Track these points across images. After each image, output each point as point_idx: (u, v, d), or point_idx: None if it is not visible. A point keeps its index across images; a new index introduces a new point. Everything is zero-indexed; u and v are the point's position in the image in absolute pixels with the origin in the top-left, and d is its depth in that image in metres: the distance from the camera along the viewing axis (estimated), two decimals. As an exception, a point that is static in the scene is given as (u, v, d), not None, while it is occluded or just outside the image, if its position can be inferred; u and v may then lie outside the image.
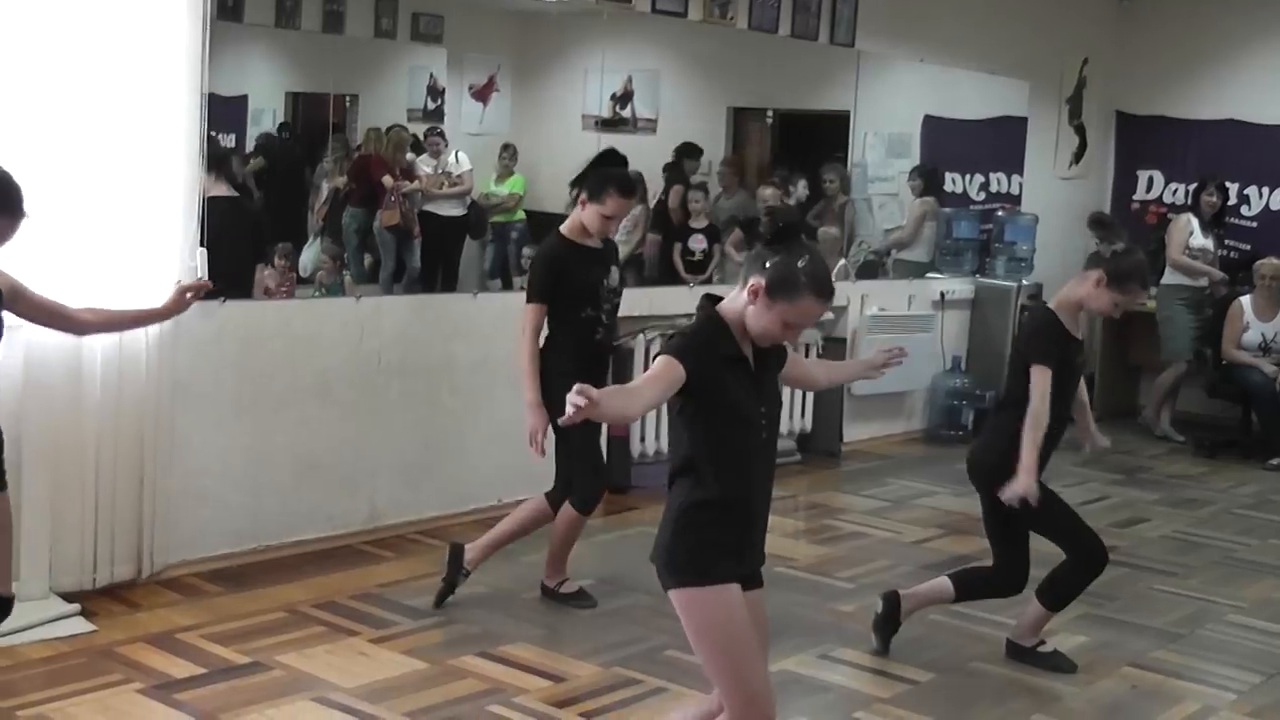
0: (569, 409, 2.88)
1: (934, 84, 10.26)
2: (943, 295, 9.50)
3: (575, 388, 2.90)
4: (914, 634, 5.35)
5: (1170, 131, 10.35)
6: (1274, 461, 9.02)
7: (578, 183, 5.35)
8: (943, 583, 5.30)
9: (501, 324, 6.65)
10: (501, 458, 6.69)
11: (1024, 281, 9.76)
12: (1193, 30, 10.55)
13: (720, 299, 3.38)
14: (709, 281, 9.04)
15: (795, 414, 8.38)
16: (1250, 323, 9.31)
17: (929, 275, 9.72)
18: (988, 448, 5.09)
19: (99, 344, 5.03)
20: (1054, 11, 10.22)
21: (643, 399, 3.21)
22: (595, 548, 6.36)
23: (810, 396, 8.45)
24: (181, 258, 5.26)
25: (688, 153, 9.68)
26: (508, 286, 9.64)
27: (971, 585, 5.31)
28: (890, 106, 10.38)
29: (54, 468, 5.00)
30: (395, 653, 4.86)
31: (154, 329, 5.17)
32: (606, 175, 5.27)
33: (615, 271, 5.50)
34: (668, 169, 9.59)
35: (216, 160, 6.34)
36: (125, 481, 5.19)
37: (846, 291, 8.75)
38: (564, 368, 5.12)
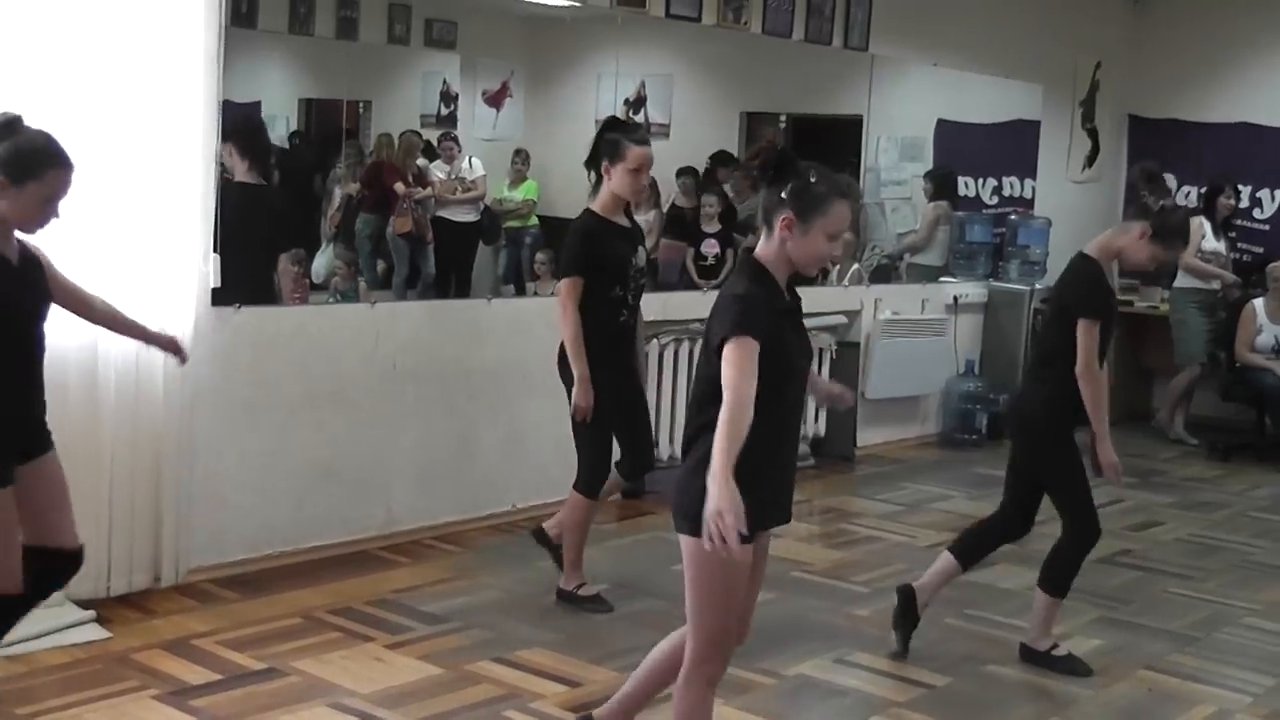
0: (711, 530, 3.12)
1: (947, 88, 10.25)
2: (956, 299, 9.49)
3: (712, 511, 3.11)
4: (930, 638, 5.35)
5: (1183, 135, 10.34)
6: (1289, 464, 9.01)
7: (592, 160, 5.36)
8: (945, 559, 5.30)
9: (516, 329, 6.68)
10: (517, 462, 6.71)
11: (1037, 285, 9.74)
12: (1205, 33, 10.54)
13: (752, 249, 3.47)
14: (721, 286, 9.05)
15: (809, 418, 8.38)
16: (1263, 325, 9.29)
17: (942, 279, 9.72)
18: (1027, 397, 5.21)
19: (115, 349, 5.04)
20: (1067, 15, 10.21)
21: (750, 398, 3.24)
22: (610, 552, 6.37)
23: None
24: (195, 263, 5.28)
25: (722, 160, 9.69)
26: (521, 292, 9.65)
27: (973, 546, 5.35)
28: (903, 110, 10.37)
29: (69, 474, 4.98)
30: (411, 658, 4.87)
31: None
32: (615, 134, 5.31)
33: (641, 252, 5.51)
34: (705, 175, 9.59)
35: (251, 147, 6.27)
36: (140, 488, 5.21)
37: (860, 296, 8.75)
38: (589, 347, 5.22)
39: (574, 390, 5.28)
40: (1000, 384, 9.55)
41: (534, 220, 10.54)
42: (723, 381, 3.28)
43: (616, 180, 5.28)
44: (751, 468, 3.24)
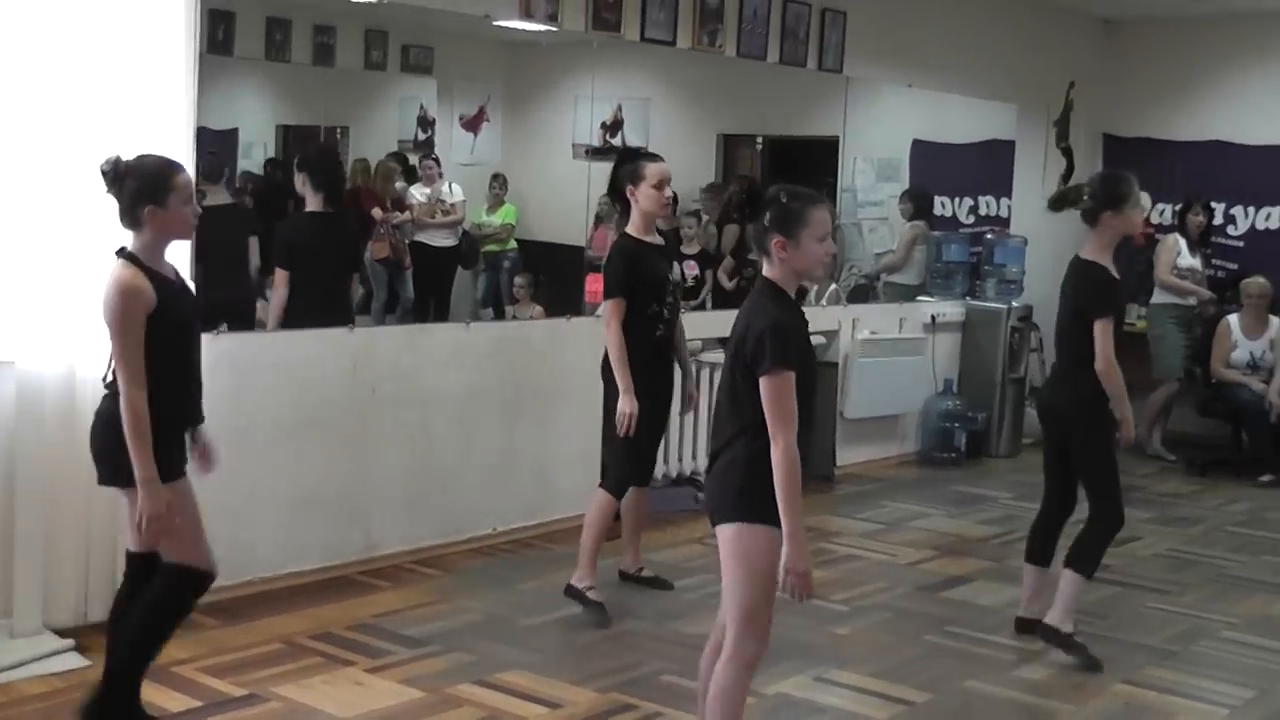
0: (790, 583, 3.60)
1: (922, 108, 10.33)
2: (933, 318, 9.54)
3: (792, 569, 3.58)
4: (911, 654, 5.37)
5: (1157, 153, 10.41)
6: (1264, 478, 9.07)
7: (613, 189, 5.77)
8: (1030, 572, 5.76)
9: (495, 353, 6.70)
10: (497, 486, 6.72)
11: (1014, 304, 9.80)
12: (1178, 53, 10.63)
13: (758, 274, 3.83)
14: (701, 306, 9.08)
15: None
16: (1238, 341, 9.36)
17: (919, 298, 9.77)
18: (1057, 395, 5.63)
19: (92, 375, 5.04)
20: (1040, 36, 10.29)
21: (794, 441, 3.61)
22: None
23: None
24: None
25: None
26: (500, 315, 9.69)
27: (1042, 545, 5.76)
28: (879, 131, 10.46)
29: (47, 502, 5.00)
30: (392, 682, 4.86)
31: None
32: (632, 159, 5.76)
33: (676, 267, 5.92)
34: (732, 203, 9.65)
35: (324, 178, 6.61)
36: (120, 516, 5.19)
37: (838, 316, 8.79)
38: (630, 361, 5.57)
39: (620, 400, 5.57)
40: (978, 402, 9.61)
41: (512, 244, 10.58)
42: (768, 419, 3.62)
43: (643, 199, 5.65)
44: (765, 467, 3.62)
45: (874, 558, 6.90)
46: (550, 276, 9.57)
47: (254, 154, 10.53)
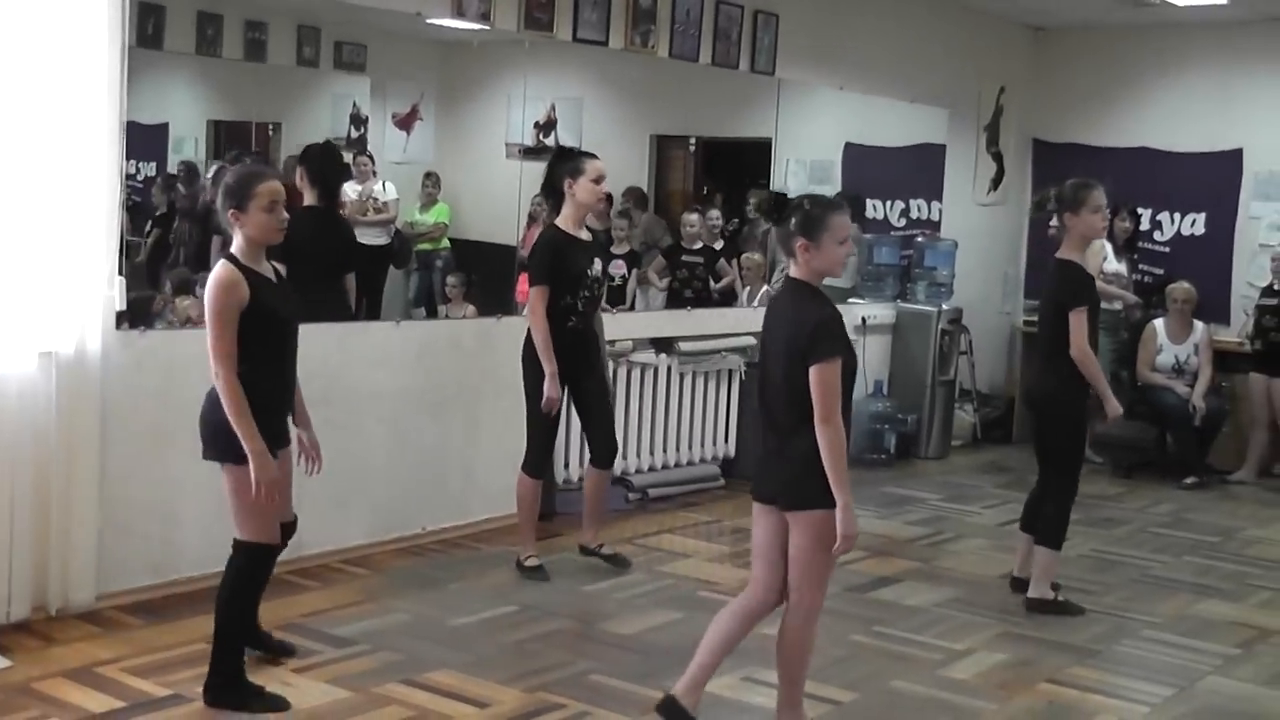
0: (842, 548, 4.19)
1: (855, 112, 10.39)
2: (864, 320, 9.60)
3: (845, 536, 4.14)
4: (836, 655, 5.41)
5: (1085, 159, 10.50)
6: (1188, 481, 9.22)
7: (548, 185, 6.13)
8: (1025, 540, 6.34)
9: (425, 352, 6.68)
10: (427, 485, 6.70)
11: (944, 306, 9.89)
12: (1106, 61, 10.78)
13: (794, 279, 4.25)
14: (632, 308, 9.09)
15: (718, 440, 8.45)
16: (1164, 345, 9.50)
17: (851, 300, 9.82)
18: (1036, 382, 6.42)
19: (16, 372, 4.99)
20: (971, 41, 10.39)
21: (839, 414, 4.11)
22: (520, 574, 6.37)
23: (733, 423, 8.52)
24: (100, 286, 5.24)
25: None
26: (432, 315, 9.62)
27: (1036, 516, 6.25)
28: (812, 134, 10.50)
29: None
30: (319, 682, 4.84)
31: (74, 357, 5.14)
32: (571, 155, 6.14)
33: (599, 263, 6.23)
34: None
35: (321, 174, 6.66)
36: (42, 514, 5.14)
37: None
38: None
39: (545, 384, 5.99)
40: (908, 404, 9.68)
41: (445, 243, 10.52)
42: (816, 403, 4.08)
43: (581, 192, 6.02)
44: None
45: (803, 558, 6.93)
46: (482, 276, 9.53)
47: (185, 149, 10.41)
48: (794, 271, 4.24)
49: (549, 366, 5.98)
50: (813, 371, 4.07)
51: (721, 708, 4.83)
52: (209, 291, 4.44)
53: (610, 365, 6.81)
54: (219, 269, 4.47)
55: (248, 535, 4.56)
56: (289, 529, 4.86)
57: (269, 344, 4.50)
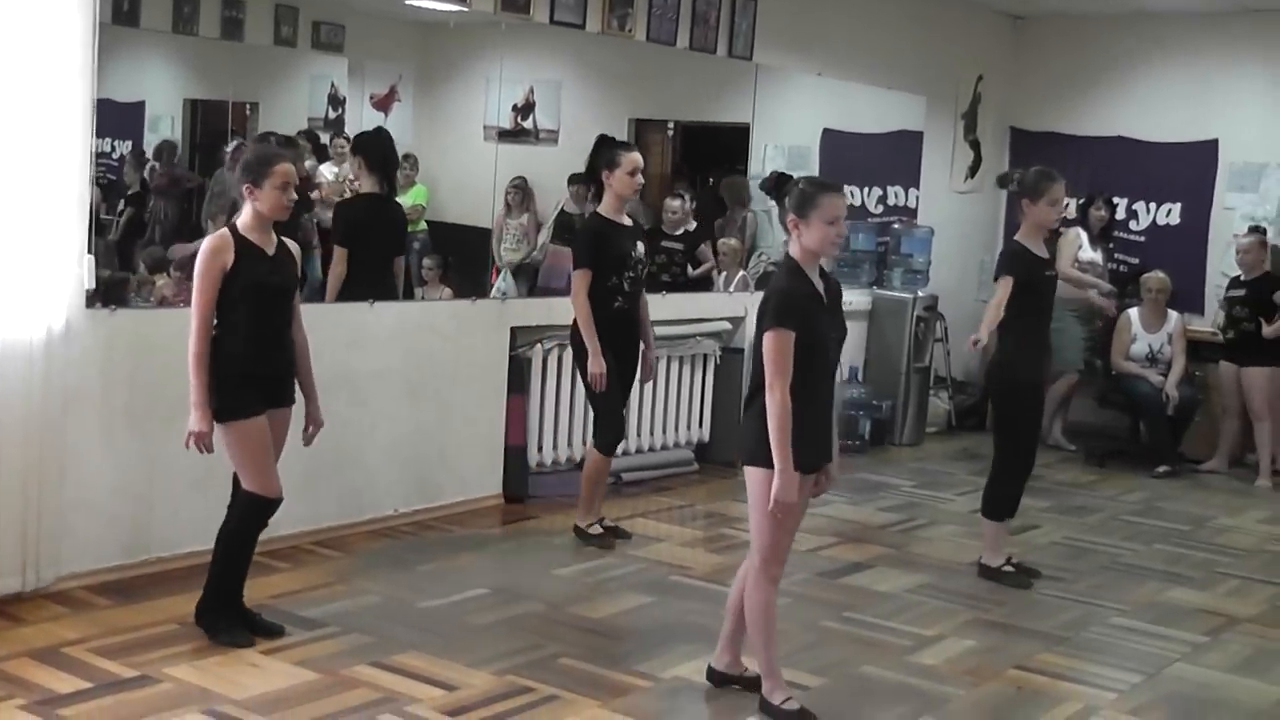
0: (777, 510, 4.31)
1: (832, 98, 10.37)
2: (840, 306, 9.60)
3: (777, 498, 4.26)
4: (806, 640, 5.42)
5: (1062, 147, 10.55)
6: (1161, 469, 9.26)
7: (590, 172, 6.47)
8: (986, 526, 6.50)
9: (398, 334, 6.66)
10: (398, 467, 6.69)
11: (920, 293, 9.90)
12: (1084, 50, 10.79)
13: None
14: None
15: (693, 425, 8.44)
16: (1138, 334, 9.53)
17: (827, 286, 9.81)
18: (990, 359, 6.50)
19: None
20: (949, 29, 10.39)
21: (785, 392, 4.24)
22: (491, 556, 6.38)
23: (708, 408, 8.51)
24: (70, 264, 5.21)
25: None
26: (409, 296, 9.60)
27: (995, 501, 6.46)
28: (789, 119, 10.48)
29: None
30: (287, 664, 4.82)
31: (43, 336, 5.11)
32: (609, 146, 6.41)
33: (641, 246, 6.51)
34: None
35: (379, 161, 6.97)
36: (9, 493, 5.11)
37: (745, 303, 8.81)
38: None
39: (589, 361, 6.25)
40: (883, 391, 9.70)
41: (422, 225, 10.47)
42: (766, 370, 4.28)
43: (617, 183, 6.33)
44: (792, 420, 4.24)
45: (775, 543, 6.94)
46: (459, 258, 9.50)
47: (160, 128, 10.35)
48: (789, 248, 4.43)
49: (592, 344, 6.24)
50: (764, 339, 4.29)
51: (690, 692, 4.84)
52: (198, 255, 4.79)
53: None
54: (211, 235, 4.86)
55: (246, 486, 4.93)
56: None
57: (247, 310, 4.77)
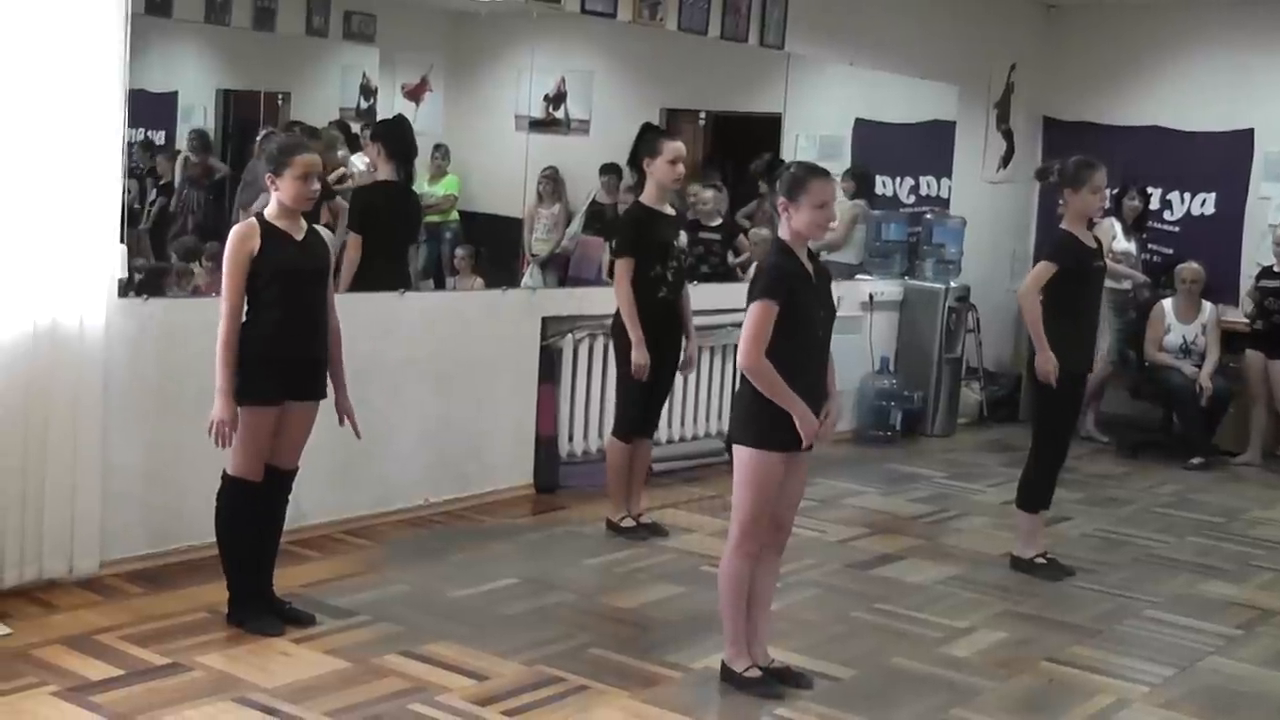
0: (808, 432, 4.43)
1: (864, 87, 10.33)
2: (871, 297, 9.58)
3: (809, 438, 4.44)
4: (836, 631, 5.42)
5: (1096, 137, 10.46)
6: (1194, 461, 9.19)
7: (633, 159, 6.37)
8: (1020, 518, 6.47)
9: (429, 323, 6.67)
10: (429, 456, 6.70)
11: (952, 284, 9.86)
12: (1118, 38, 10.70)
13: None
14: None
15: (724, 415, 8.42)
16: (1171, 325, 9.47)
17: (858, 277, 9.80)
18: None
19: (16, 340, 4.99)
20: (982, 17, 10.33)
21: (756, 356, 4.38)
22: (521, 546, 6.38)
23: (733, 398, 8.49)
24: (104, 254, 5.23)
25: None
26: (440, 286, 9.61)
27: (1029, 492, 6.42)
28: (821, 109, 10.45)
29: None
30: (318, 652, 4.84)
31: (76, 326, 5.14)
32: (651, 135, 6.36)
33: (684, 235, 6.53)
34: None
35: (398, 149, 6.91)
36: (44, 481, 5.14)
37: (776, 293, 8.79)
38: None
39: (633, 351, 6.18)
40: (914, 381, 9.66)
41: (454, 215, 10.49)
42: (741, 339, 4.42)
43: (658, 171, 6.25)
44: (769, 400, 4.40)
45: (804, 534, 6.89)
46: (490, 248, 9.51)
47: (194, 118, 10.40)
48: (780, 230, 4.56)
49: (635, 333, 6.18)
50: (749, 310, 4.43)
51: (720, 682, 4.81)
52: (226, 243, 4.86)
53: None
54: (238, 224, 4.93)
55: (228, 467, 4.94)
56: (287, 475, 5.11)
57: (273, 294, 4.82)
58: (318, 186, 4.96)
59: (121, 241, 5.32)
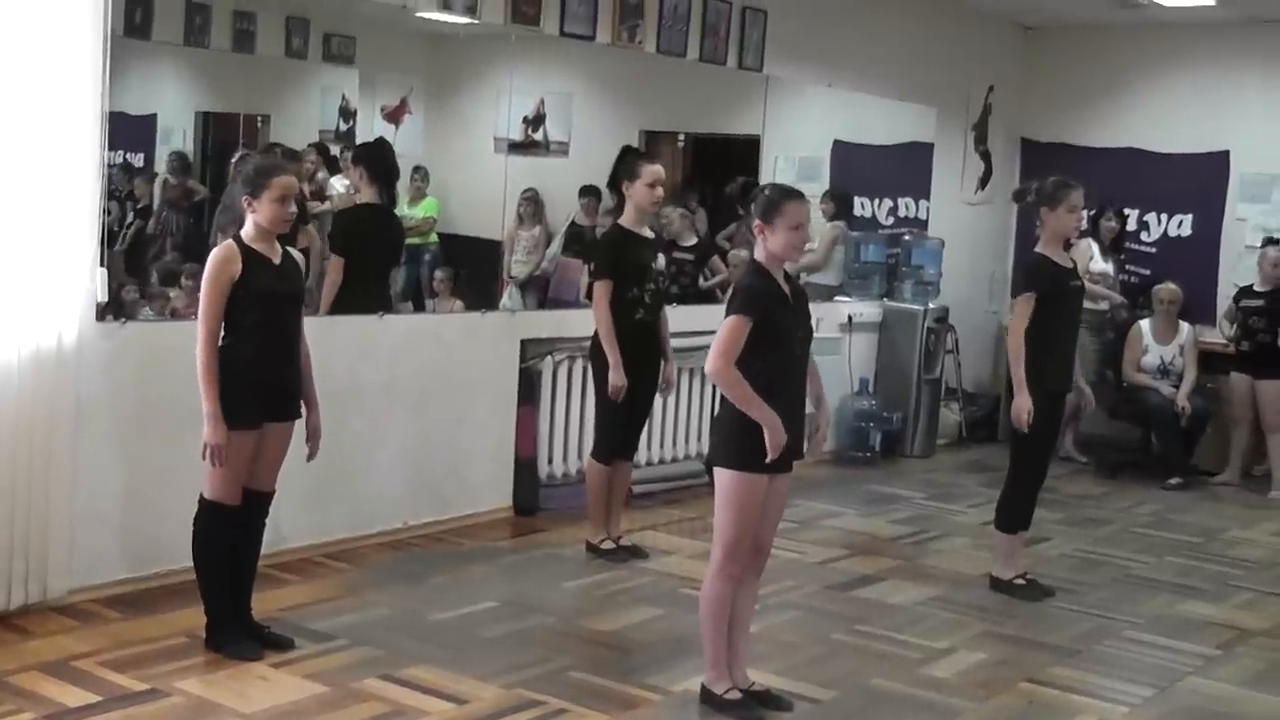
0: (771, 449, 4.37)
1: (843, 109, 10.37)
2: (850, 318, 9.60)
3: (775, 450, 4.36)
4: (816, 653, 5.41)
5: (1073, 158, 10.50)
6: (1172, 481, 9.22)
7: (613, 182, 6.40)
8: (999, 539, 6.48)
9: (407, 345, 6.66)
10: (408, 479, 6.68)
11: (930, 305, 9.89)
12: (1095, 61, 10.78)
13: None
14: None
15: (703, 436, 8.42)
16: (1149, 346, 9.51)
17: (837, 298, 9.82)
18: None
19: (-5, 363, 4.97)
20: (960, 40, 10.39)
21: (724, 368, 4.40)
22: (501, 569, 6.37)
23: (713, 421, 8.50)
24: (82, 277, 5.21)
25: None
26: (419, 309, 9.61)
27: (1008, 513, 6.44)
28: (800, 131, 10.49)
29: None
30: (297, 677, 4.81)
31: (53, 348, 5.12)
32: (630, 158, 6.40)
33: (661, 259, 6.56)
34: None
35: (380, 172, 6.90)
36: (20, 504, 5.11)
37: (755, 314, 8.80)
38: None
39: (610, 374, 6.21)
40: (894, 402, 9.68)
41: (434, 238, 10.49)
42: (711, 350, 4.43)
43: (637, 194, 6.29)
44: (750, 423, 4.39)
45: (784, 556, 6.89)
46: (470, 271, 9.52)
47: (173, 140, 10.39)
48: (755, 252, 4.58)
49: (613, 355, 6.21)
50: (723, 324, 4.44)
51: (699, 705, 4.81)
52: (206, 267, 4.84)
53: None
54: (218, 247, 4.88)
55: (205, 491, 4.91)
56: (265, 497, 5.09)
57: (253, 319, 4.80)
58: (295, 209, 4.95)
59: (101, 265, 5.30)
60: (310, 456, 5.18)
